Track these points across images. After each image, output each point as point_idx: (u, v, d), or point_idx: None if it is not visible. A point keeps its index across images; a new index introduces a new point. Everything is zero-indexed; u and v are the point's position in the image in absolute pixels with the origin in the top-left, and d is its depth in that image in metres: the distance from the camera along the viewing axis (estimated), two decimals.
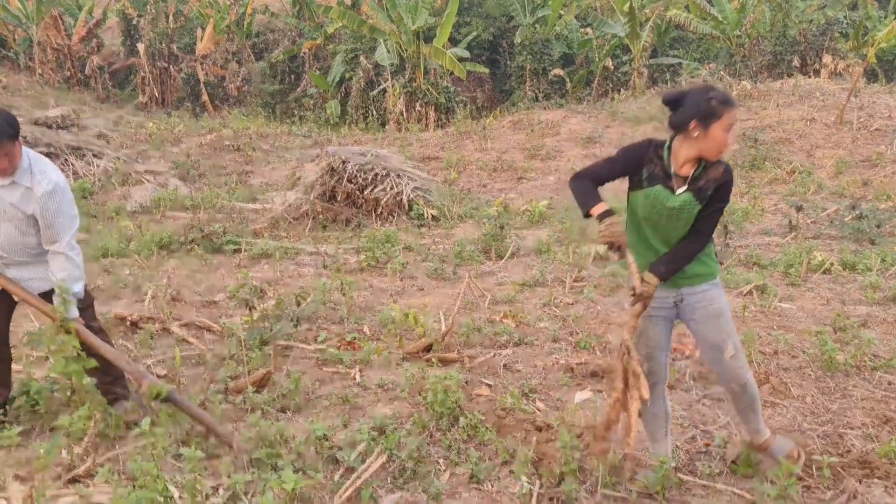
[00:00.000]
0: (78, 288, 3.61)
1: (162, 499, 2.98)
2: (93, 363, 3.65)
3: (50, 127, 12.59)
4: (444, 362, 4.91)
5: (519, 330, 5.63)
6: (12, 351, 3.99)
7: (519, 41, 21.45)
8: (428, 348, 5.08)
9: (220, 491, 3.25)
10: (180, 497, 3.11)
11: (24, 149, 3.59)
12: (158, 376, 4.57)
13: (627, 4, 19.61)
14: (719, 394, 4.53)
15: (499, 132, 15.66)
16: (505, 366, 4.94)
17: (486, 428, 3.82)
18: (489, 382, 4.65)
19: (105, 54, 26.27)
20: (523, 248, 8.63)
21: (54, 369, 3.65)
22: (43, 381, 4.21)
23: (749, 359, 4.89)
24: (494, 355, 5.12)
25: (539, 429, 3.82)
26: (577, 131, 15.00)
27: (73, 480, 3.28)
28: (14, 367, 4.44)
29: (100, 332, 3.89)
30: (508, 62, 22.73)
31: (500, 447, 3.65)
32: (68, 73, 25.05)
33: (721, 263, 7.60)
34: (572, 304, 6.48)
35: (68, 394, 3.82)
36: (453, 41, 20.87)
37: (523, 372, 4.87)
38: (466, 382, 4.54)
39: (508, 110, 19.50)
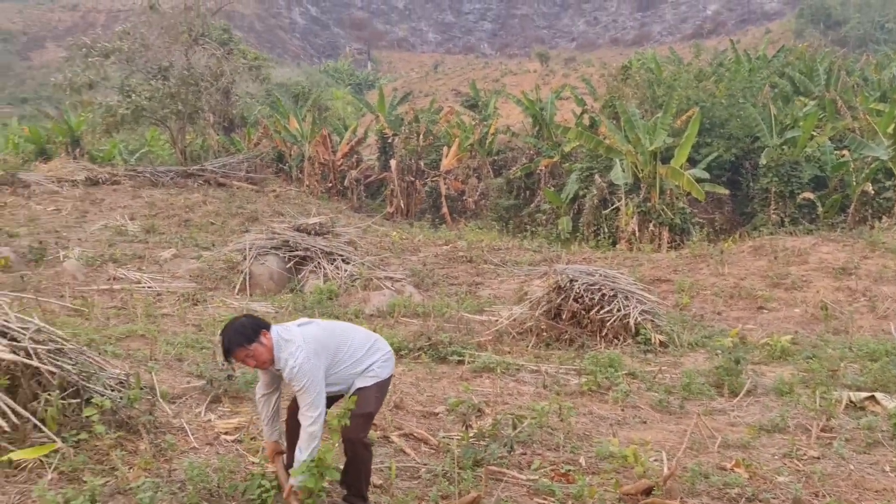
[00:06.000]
0: (304, 457, 4.03)
1: None
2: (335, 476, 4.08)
3: (309, 233, 14.01)
4: None
5: (753, 483, 5.07)
6: None
7: (764, 162, 20.48)
8: (648, 491, 4.73)
9: None
10: None
11: (276, 337, 4.10)
12: (374, 486, 4.68)
13: (893, 126, 18.04)
14: None
15: (737, 257, 14.81)
16: None
17: None
18: None
19: (362, 168, 29.19)
20: (761, 387, 7.90)
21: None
22: (274, 475, 4.48)
23: None
24: None
25: None
26: (828, 261, 13.74)
27: None
28: (252, 459, 4.80)
29: (365, 446, 4.31)
30: (751, 184, 21.70)
31: None
32: (330, 185, 28.11)
33: None
34: (819, 458, 5.75)
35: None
36: (692, 161, 20.43)
37: None
38: None
39: (749, 234, 18.47)
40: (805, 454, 5.79)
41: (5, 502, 4.11)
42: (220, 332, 4.11)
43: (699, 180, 18.96)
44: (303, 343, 4.09)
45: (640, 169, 19.04)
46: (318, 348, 4.12)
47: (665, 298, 12.20)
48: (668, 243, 18.16)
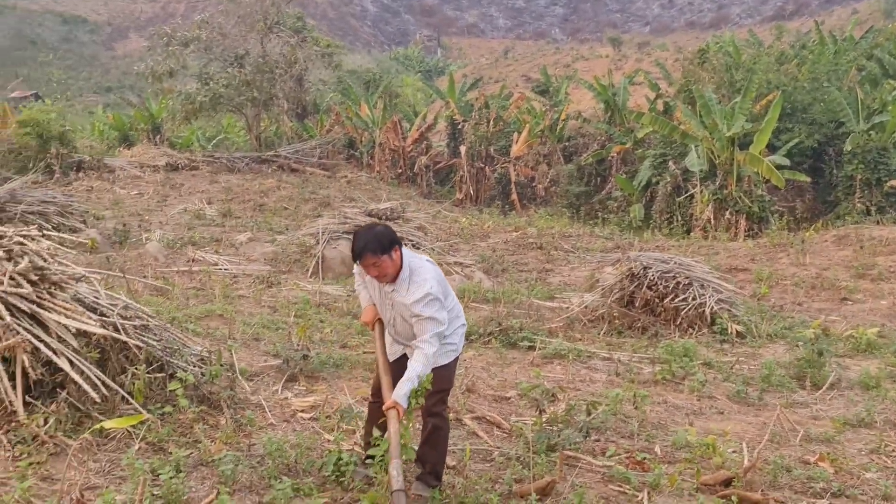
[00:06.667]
0: (417, 372, 3.97)
1: None
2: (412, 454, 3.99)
3: (380, 218, 14.13)
4: (746, 502, 4.40)
5: (838, 478, 4.89)
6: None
7: (849, 149, 19.62)
8: (727, 482, 4.61)
9: None
10: None
11: (407, 259, 4.09)
12: (448, 467, 4.71)
13: None
14: None
15: (820, 246, 14.27)
16: None
17: None
18: None
19: (431, 155, 29.26)
20: (845, 380, 7.59)
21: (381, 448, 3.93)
22: (350, 453, 4.55)
23: None
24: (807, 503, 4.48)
25: None
26: None
27: None
28: (328, 437, 4.88)
29: (444, 420, 4.34)
30: (835, 171, 20.83)
31: None
32: (400, 171, 28.32)
33: None
34: None
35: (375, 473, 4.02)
36: (772, 148, 19.72)
37: None
38: None
39: (832, 223, 17.74)
40: (894, 450, 5.55)
41: (97, 469, 4.30)
42: (355, 233, 4.05)
43: (779, 167, 18.28)
44: (434, 274, 4.10)
45: (717, 155, 18.50)
46: (442, 286, 4.14)
47: (742, 288, 11.83)
48: (745, 232, 17.61)
